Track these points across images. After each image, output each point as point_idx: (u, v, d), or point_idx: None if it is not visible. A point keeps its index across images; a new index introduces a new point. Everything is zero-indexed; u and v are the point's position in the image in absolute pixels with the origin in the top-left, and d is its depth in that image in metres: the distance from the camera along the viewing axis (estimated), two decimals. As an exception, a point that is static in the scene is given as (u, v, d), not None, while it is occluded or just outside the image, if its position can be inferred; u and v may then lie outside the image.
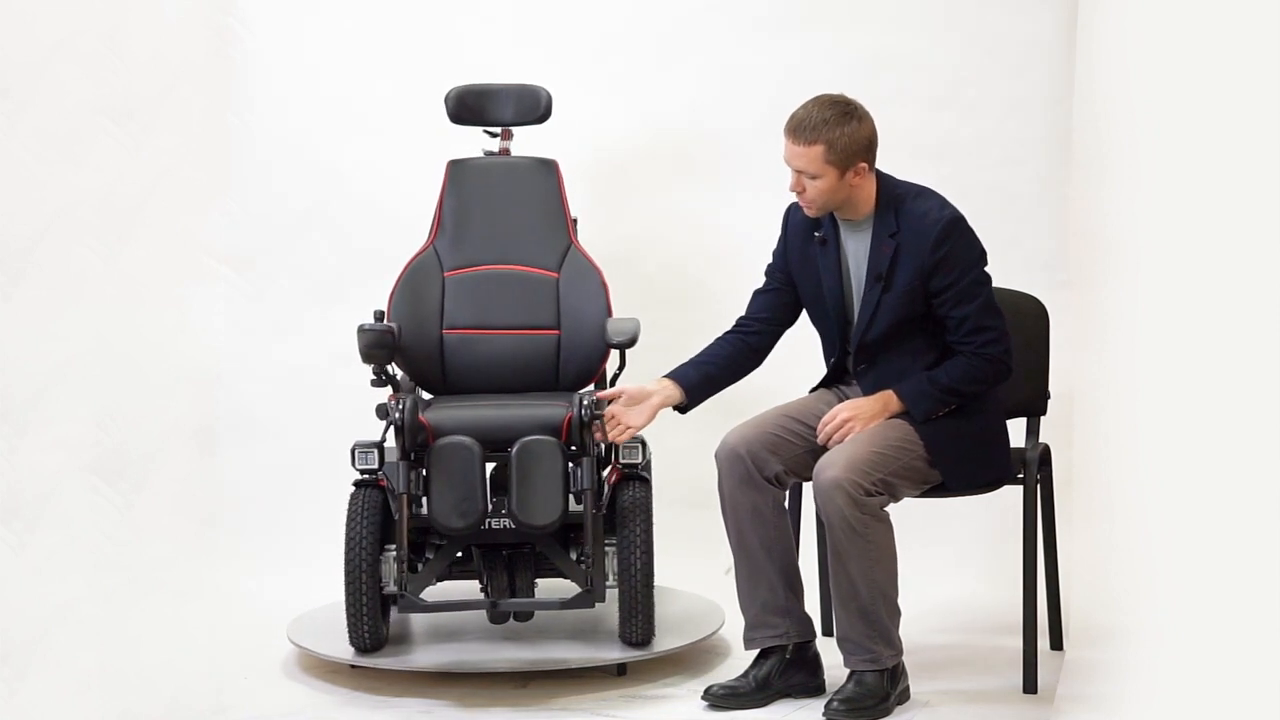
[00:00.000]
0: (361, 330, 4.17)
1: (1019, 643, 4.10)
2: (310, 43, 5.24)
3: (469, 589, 4.41)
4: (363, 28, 5.22)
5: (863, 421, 3.93)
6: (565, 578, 4.28)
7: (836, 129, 3.87)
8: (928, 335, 3.97)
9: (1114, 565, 3.29)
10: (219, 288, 5.20)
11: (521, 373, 4.56)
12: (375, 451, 4.21)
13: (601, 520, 4.18)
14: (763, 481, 3.95)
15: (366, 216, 5.20)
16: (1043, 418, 4.26)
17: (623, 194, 5.21)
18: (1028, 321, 4.28)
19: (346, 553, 4.15)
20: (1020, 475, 4.10)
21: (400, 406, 4.10)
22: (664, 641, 4.23)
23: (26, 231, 4.82)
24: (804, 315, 4.13)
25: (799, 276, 4.08)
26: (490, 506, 4.14)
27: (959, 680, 4.17)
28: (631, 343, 4.39)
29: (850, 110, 3.91)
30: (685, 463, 4.63)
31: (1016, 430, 4.21)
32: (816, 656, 4.05)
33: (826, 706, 3.89)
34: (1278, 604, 1.91)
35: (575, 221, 4.69)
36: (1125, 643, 3.07)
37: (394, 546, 4.16)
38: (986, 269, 3.96)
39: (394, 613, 4.31)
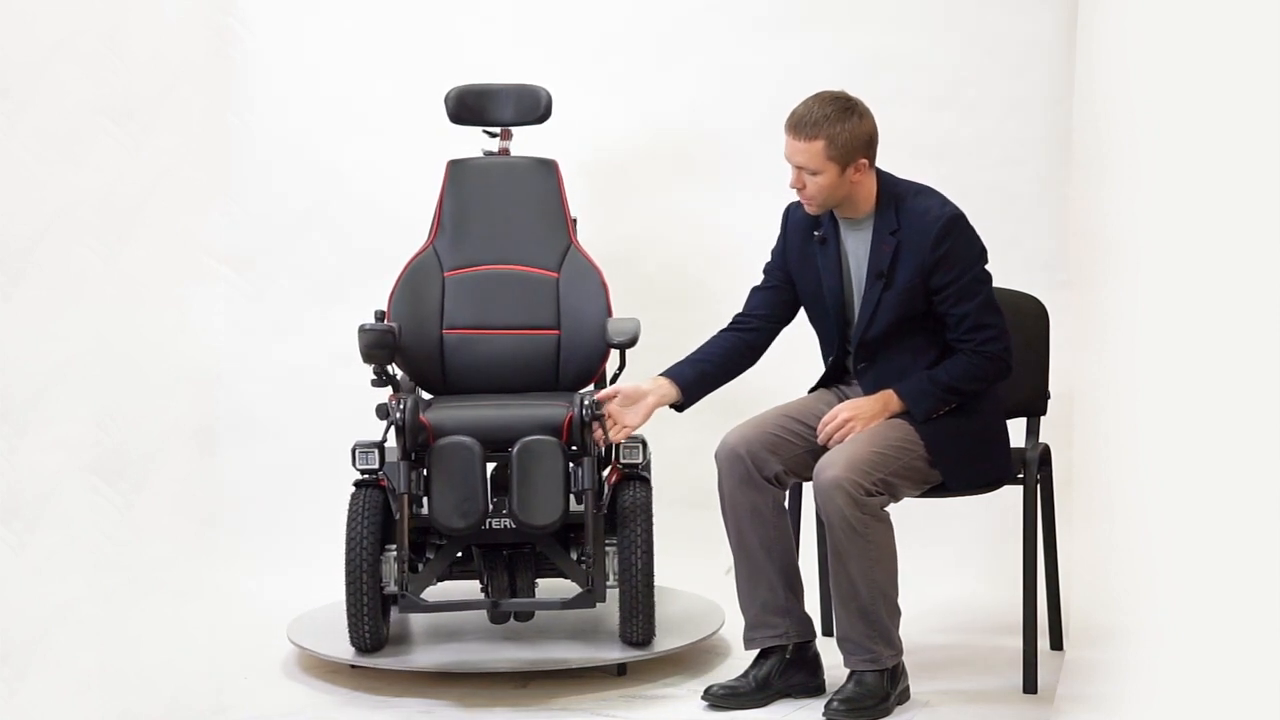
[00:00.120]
0: (362, 330, 4.18)
1: (1019, 643, 4.10)
2: (310, 43, 5.24)
3: (469, 589, 4.41)
4: (363, 28, 5.23)
5: (863, 421, 3.93)
6: (565, 578, 4.28)
7: (837, 124, 3.87)
8: (928, 333, 3.97)
9: (1114, 565, 3.29)
10: (219, 288, 5.20)
11: (521, 373, 4.56)
12: (376, 451, 4.21)
13: (602, 520, 4.18)
14: (762, 481, 3.95)
15: (366, 216, 5.20)
16: (1043, 418, 4.26)
17: (623, 194, 5.21)
18: (1028, 321, 4.28)
19: (347, 553, 4.15)
20: (1020, 475, 4.11)
21: (401, 406, 4.10)
22: (664, 641, 4.23)
23: (26, 231, 4.82)
24: (802, 315, 4.13)
25: (798, 275, 4.08)
26: (491, 506, 4.14)
27: (959, 680, 4.17)
28: (632, 343, 4.39)
29: (851, 106, 3.91)
30: (685, 463, 4.63)
31: (1016, 430, 4.21)
32: (816, 656, 4.05)
33: (826, 706, 3.89)
34: (1278, 604, 1.91)
35: (575, 221, 4.69)
36: (1125, 643, 3.07)
37: (394, 546, 4.17)
38: (987, 267, 3.97)
39: (394, 613, 4.31)
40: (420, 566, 4.25)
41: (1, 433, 4.70)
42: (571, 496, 4.16)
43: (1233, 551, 2.11)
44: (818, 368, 4.13)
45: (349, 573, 4.14)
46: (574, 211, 4.71)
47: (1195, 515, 2.34)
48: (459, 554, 4.27)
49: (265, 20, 5.20)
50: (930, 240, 3.90)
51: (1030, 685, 4.07)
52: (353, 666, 4.23)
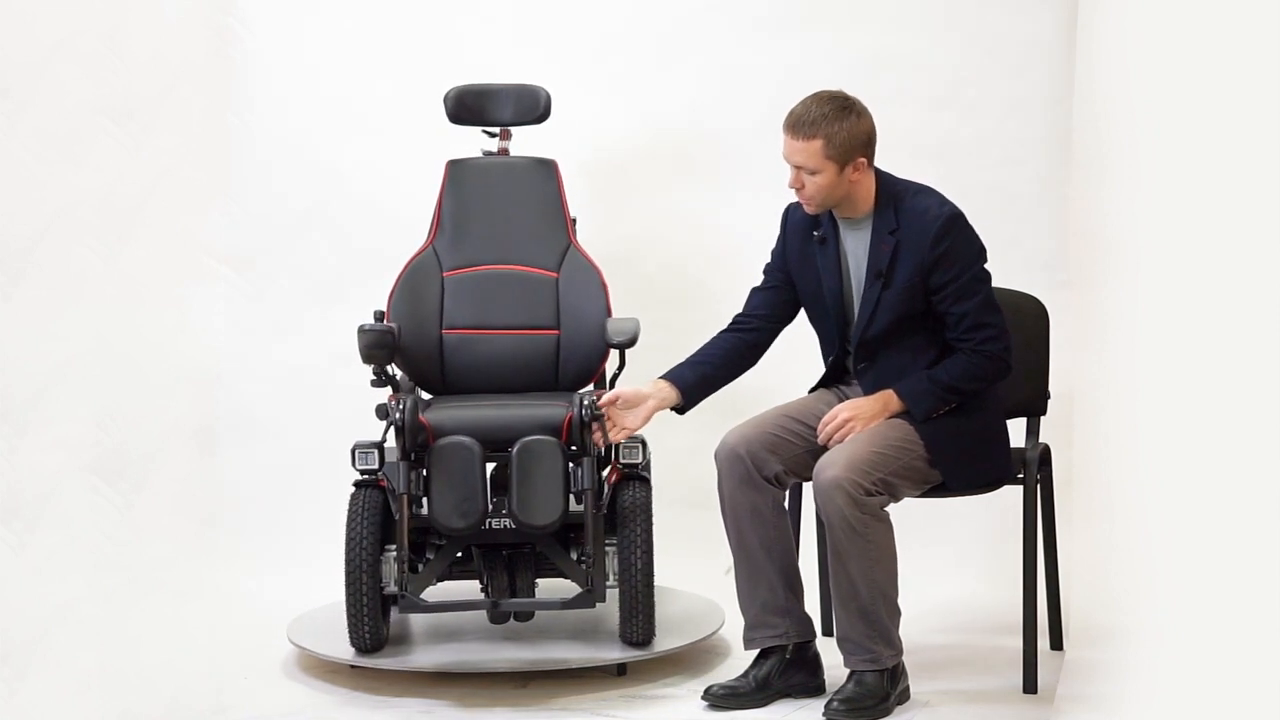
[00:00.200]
0: (361, 330, 4.18)
1: (1019, 643, 4.10)
2: (310, 43, 5.24)
3: (469, 589, 4.41)
4: (363, 28, 5.23)
5: (863, 421, 3.93)
6: (565, 578, 4.28)
7: (835, 123, 3.87)
8: (928, 333, 3.97)
9: (1114, 565, 3.29)
10: (219, 288, 5.20)
11: (521, 373, 4.56)
12: (375, 452, 4.21)
13: (602, 520, 4.18)
14: (762, 481, 3.95)
15: (366, 216, 5.20)
16: (1043, 418, 4.26)
17: (622, 194, 5.21)
18: (1028, 321, 4.28)
19: (347, 553, 4.15)
20: (1020, 475, 4.10)
21: (400, 407, 4.10)
22: (664, 641, 4.23)
23: (26, 231, 4.82)
24: (802, 315, 4.13)
25: (798, 276, 4.07)
26: (490, 506, 4.14)
27: (959, 680, 4.17)
28: (631, 343, 4.39)
29: (849, 105, 3.91)
30: (685, 463, 4.63)
31: (1016, 430, 4.21)
32: (816, 656, 4.05)
33: (826, 706, 3.89)
34: (1278, 604, 1.91)
35: (574, 221, 4.69)
36: (1125, 643, 3.06)
37: (394, 547, 4.16)
38: (986, 266, 3.96)
39: (394, 613, 4.31)
40: (420, 567, 4.25)
41: (1, 433, 4.70)
42: (571, 496, 4.16)
43: (1232, 551, 2.11)
44: (818, 368, 4.13)
45: (349, 573, 4.14)
46: (574, 211, 4.71)
47: (1195, 515, 2.34)
48: (459, 554, 4.27)
49: (265, 20, 5.20)
50: (929, 239, 3.90)
51: (1030, 685, 4.07)
52: (353, 666, 4.23)
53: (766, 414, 4.05)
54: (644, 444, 4.30)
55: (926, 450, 3.91)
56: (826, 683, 4.02)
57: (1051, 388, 4.29)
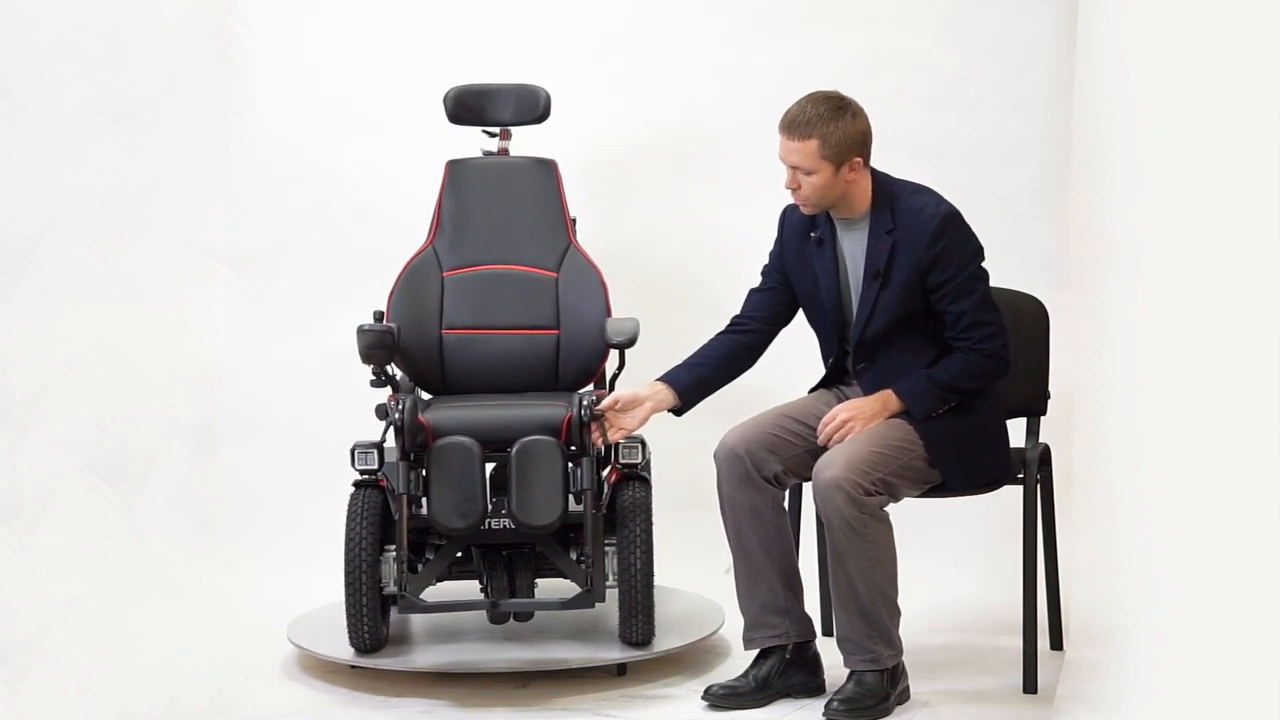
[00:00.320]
0: (361, 331, 4.18)
1: (1019, 643, 4.10)
2: (310, 43, 5.24)
3: (469, 589, 4.41)
4: (363, 28, 5.23)
5: (862, 421, 3.93)
6: (565, 578, 4.28)
7: (830, 123, 3.87)
8: (926, 333, 3.97)
9: (1114, 565, 3.29)
10: (219, 288, 5.20)
11: (521, 373, 4.56)
12: (375, 452, 4.21)
13: (601, 520, 4.18)
14: (762, 481, 3.95)
15: (366, 216, 5.20)
16: (1043, 418, 4.26)
17: (622, 194, 5.21)
18: (1028, 321, 4.28)
19: (346, 553, 4.15)
20: (1020, 475, 4.10)
21: (400, 407, 4.10)
22: (664, 641, 4.23)
23: (26, 231, 4.82)
24: (801, 316, 4.13)
25: (796, 277, 4.07)
26: (490, 506, 4.14)
27: (959, 680, 4.17)
28: (631, 343, 4.39)
29: (844, 105, 3.91)
30: (685, 463, 4.63)
31: (1016, 430, 4.21)
32: (816, 656, 4.05)
33: (826, 706, 3.89)
34: (1278, 604, 1.91)
35: (574, 221, 4.69)
36: (1125, 643, 3.06)
37: (394, 547, 4.16)
38: (983, 264, 3.96)
39: (394, 613, 4.31)
40: (420, 567, 4.25)
41: (1, 433, 4.70)
42: (571, 496, 4.16)
43: (1232, 551, 2.11)
44: (817, 367, 4.13)
45: (348, 573, 4.14)
46: (573, 211, 4.71)
47: (1195, 515, 2.34)
48: (458, 554, 4.27)
49: (265, 20, 5.20)
50: (926, 238, 3.90)
51: (1030, 685, 4.07)
52: (352, 667, 4.23)
53: (766, 414, 4.05)
54: (644, 444, 4.30)
55: (926, 450, 3.91)
56: (826, 683, 4.02)
57: (1051, 388, 4.29)
